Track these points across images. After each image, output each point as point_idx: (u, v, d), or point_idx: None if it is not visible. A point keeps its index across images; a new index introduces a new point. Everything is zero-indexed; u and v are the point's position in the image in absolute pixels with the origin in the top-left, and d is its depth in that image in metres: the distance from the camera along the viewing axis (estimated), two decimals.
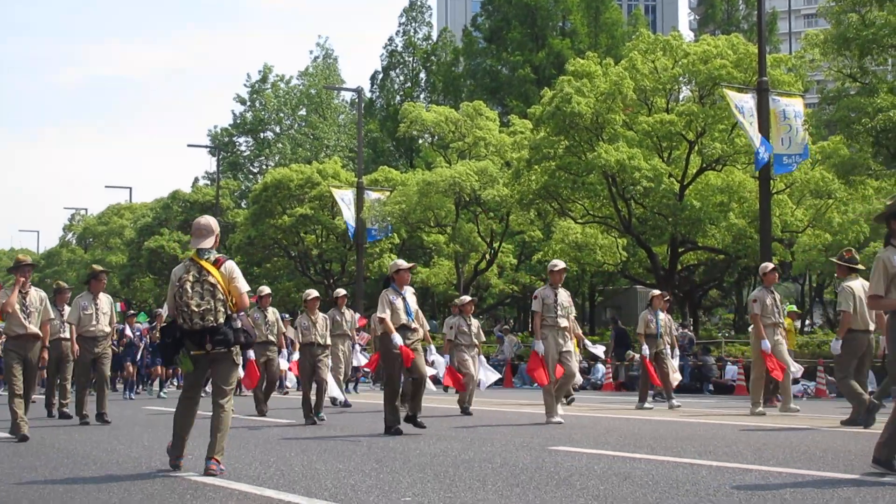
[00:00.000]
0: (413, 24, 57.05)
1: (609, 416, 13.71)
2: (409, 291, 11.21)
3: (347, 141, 59.84)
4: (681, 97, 29.57)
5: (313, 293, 13.57)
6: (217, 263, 7.38)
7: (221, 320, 7.20)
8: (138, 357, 21.65)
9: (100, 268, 13.77)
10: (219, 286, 7.26)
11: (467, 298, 15.26)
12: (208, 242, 7.50)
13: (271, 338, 14.95)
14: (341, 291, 16.97)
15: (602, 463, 7.71)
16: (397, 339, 10.67)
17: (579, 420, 12.82)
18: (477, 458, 8.20)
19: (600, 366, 25.42)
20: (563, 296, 12.30)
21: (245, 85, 61.56)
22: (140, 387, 23.51)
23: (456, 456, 8.35)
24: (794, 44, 63.26)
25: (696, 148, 27.43)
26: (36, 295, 10.88)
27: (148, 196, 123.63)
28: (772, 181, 25.04)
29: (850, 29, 27.61)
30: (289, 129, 61.70)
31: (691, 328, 29.68)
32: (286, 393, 21.01)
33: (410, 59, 56.92)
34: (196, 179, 64.66)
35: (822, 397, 20.15)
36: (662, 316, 16.06)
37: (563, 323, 12.11)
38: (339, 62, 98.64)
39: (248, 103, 61.37)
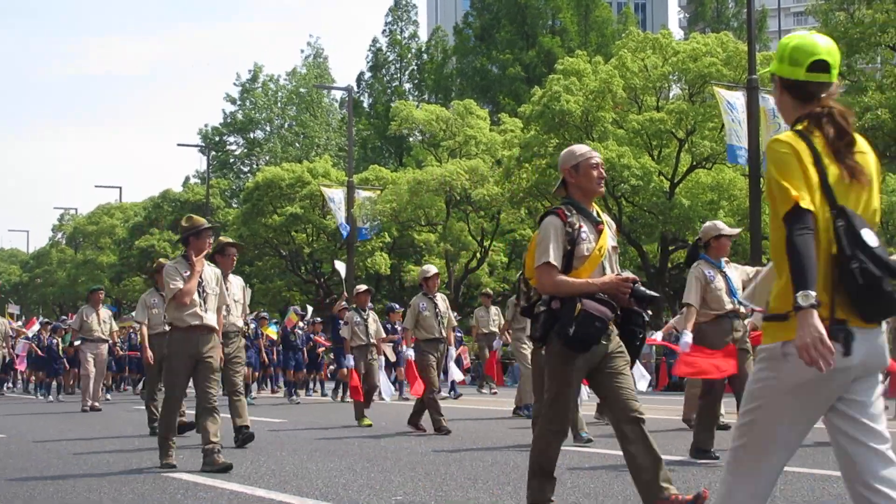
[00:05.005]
0: (399, 24, 57.08)
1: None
2: (726, 263, 8.33)
3: (338, 140, 59.83)
4: (671, 95, 29.63)
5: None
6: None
7: (524, 303, 5.66)
8: None
9: (227, 239, 10.00)
10: (525, 255, 5.44)
11: None
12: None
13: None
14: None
15: (593, 460, 7.72)
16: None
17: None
18: (468, 456, 8.21)
19: None
20: None
21: (235, 84, 61.51)
22: None
23: (447, 454, 8.36)
24: None
25: (686, 146, 27.49)
26: (212, 273, 8.14)
27: (138, 195, 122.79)
28: (762, 179, 25.14)
29: (839, 27, 27.73)
30: (279, 129, 61.63)
31: None
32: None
33: (396, 58, 56.94)
34: (187, 178, 64.50)
35: None
36: None
37: None
38: (330, 60, 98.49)
39: (239, 102, 61.28)
